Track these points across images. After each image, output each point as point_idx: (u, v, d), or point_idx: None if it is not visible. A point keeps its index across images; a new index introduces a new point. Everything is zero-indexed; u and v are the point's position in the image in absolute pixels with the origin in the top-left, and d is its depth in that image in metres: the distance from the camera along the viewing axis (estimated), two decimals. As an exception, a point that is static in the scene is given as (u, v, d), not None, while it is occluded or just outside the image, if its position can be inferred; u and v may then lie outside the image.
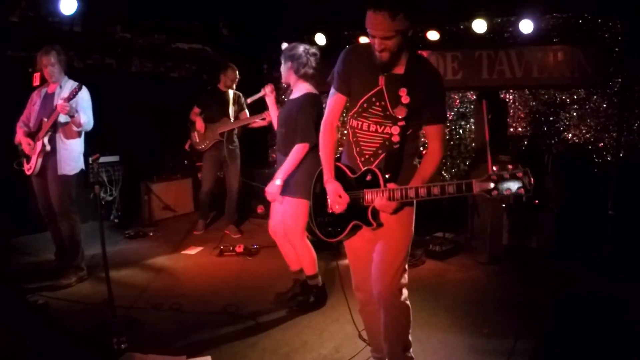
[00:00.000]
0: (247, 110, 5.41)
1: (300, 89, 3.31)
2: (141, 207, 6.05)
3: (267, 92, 3.60)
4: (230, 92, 5.42)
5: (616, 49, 5.24)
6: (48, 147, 3.83)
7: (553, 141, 5.67)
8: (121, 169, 6.16)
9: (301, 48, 3.28)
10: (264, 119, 4.77)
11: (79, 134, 3.97)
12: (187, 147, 5.53)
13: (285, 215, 3.34)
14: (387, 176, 2.13)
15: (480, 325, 3.22)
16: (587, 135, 5.51)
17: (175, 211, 6.36)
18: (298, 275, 3.56)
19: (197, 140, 5.37)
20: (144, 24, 5.84)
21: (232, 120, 5.29)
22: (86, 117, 3.89)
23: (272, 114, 3.66)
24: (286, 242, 3.46)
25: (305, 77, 3.30)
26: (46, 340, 2.97)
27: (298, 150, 3.21)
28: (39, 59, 3.86)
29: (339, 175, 2.30)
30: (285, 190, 3.30)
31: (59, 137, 3.88)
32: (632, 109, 5.19)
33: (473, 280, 4.15)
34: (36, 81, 4.48)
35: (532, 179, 1.74)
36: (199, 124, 5.29)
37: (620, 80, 5.26)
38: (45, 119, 3.80)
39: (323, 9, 5.63)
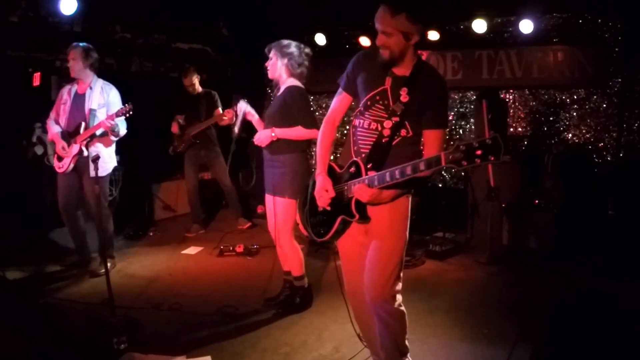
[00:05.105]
0: (220, 107, 5.46)
1: (287, 83, 3.27)
2: (141, 207, 6.05)
3: (246, 112, 3.38)
4: (202, 92, 5.52)
5: (616, 49, 5.24)
6: (85, 153, 3.91)
7: (553, 141, 5.66)
8: (121, 169, 6.15)
9: (295, 46, 3.25)
10: (225, 118, 5.07)
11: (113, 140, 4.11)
12: (170, 151, 5.65)
13: (275, 215, 3.33)
14: (368, 166, 2.12)
15: (480, 325, 3.22)
16: (587, 135, 5.51)
17: (175, 211, 6.35)
18: (288, 275, 3.55)
19: (176, 144, 5.61)
20: (144, 24, 5.84)
21: (201, 121, 5.41)
22: (124, 128, 4.04)
23: (259, 129, 3.37)
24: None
25: (300, 77, 3.27)
26: (46, 340, 2.97)
27: (305, 131, 3.20)
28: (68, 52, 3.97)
29: (329, 173, 2.31)
30: (274, 190, 3.30)
31: (95, 142, 4.00)
32: (632, 109, 5.19)
33: (473, 281, 4.15)
34: (36, 81, 4.49)
35: (501, 143, 1.68)
36: (174, 127, 5.59)
37: (620, 80, 5.26)
38: (83, 123, 3.87)
39: (323, 9, 5.64)
